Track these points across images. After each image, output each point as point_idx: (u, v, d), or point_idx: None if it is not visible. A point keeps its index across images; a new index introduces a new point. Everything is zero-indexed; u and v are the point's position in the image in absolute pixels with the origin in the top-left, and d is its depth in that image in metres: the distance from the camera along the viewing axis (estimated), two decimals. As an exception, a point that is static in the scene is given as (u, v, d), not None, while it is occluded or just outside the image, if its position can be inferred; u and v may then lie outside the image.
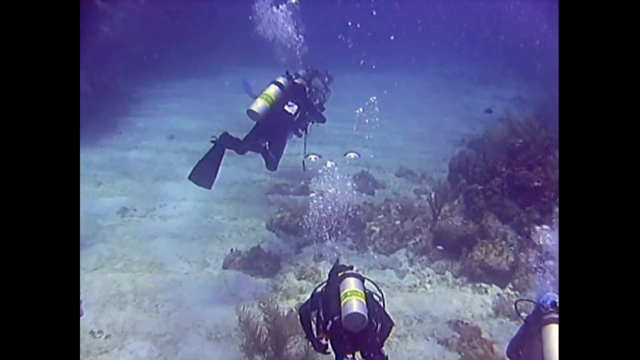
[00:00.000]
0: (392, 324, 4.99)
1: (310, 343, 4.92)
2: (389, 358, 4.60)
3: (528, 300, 5.07)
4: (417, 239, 9.10)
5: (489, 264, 8.00)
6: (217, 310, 7.28)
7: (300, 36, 9.15)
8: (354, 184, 10.89)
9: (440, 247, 8.50)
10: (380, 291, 5.01)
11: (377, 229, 9.51)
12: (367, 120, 9.45)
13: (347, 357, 4.44)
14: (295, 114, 7.87)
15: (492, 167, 9.41)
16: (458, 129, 15.76)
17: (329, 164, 7.95)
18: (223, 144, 7.47)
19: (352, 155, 10.26)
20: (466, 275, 8.27)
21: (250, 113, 7.49)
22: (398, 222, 9.65)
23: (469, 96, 20.27)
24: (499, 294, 7.87)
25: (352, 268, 4.96)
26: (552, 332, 4.08)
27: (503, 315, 7.44)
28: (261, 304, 6.42)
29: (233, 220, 9.79)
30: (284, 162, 8.43)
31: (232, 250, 8.58)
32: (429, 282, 8.29)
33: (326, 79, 9.08)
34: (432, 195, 9.54)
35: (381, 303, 5.00)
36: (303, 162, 8.66)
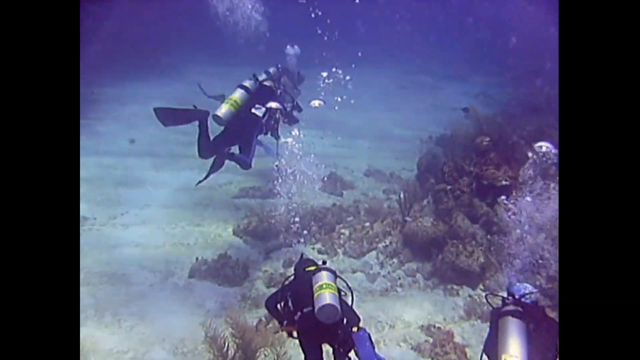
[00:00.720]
0: (359, 318, 4.93)
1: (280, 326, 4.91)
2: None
3: (497, 295, 5.10)
4: (387, 242, 8.99)
5: (460, 265, 7.93)
6: (183, 323, 7.00)
7: (267, 33, 8.91)
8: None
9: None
10: (349, 287, 4.97)
11: (347, 232, 9.36)
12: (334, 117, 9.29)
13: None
14: (263, 116, 7.71)
15: (461, 167, 9.37)
16: (425, 126, 15.73)
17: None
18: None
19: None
20: (437, 277, 8.20)
21: (216, 118, 7.34)
22: (368, 224, 9.51)
23: (435, 92, 20.32)
24: (470, 296, 7.82)
25: (324, 262, 4.98)
26: (507, 324, 4.17)
27: (475, 317, 7.38)
28: (228, 319, 6.16)
29: (198, 227, 9.50)
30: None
31: (197, 258, 8.29)
32: (400, 285, 8.19)
33: (297, 79, 8.92)
34: (402, 196, 9.45)
35: (349, 300, 4.97)
36: (276, 165, 8.37)
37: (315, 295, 4.46)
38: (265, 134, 8.20)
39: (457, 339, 6.91)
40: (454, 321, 7.33)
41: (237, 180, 11.00)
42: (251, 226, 9.27)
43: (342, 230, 9.45)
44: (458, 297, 7.83)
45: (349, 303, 4.94)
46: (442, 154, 11.08)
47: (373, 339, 6.85)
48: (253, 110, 7.63)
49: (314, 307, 4.41)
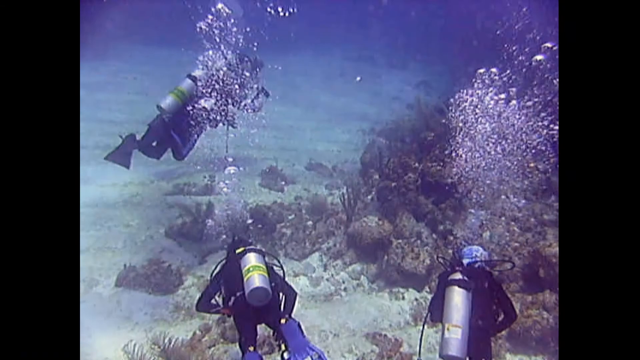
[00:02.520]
0: (296, 293, 5.01)
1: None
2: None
3: (445, 258, 5.13)
4: (331, 242, 8.60)
5: (405, 267, 7.65)
6: (108, 339, 6.31)
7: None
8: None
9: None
10: (279, 262, 5.00)
11: (288, 232, 8.89)
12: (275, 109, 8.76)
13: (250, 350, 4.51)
14: (212, 108, 7.35)
15: (405, 162, 9.07)
16: (367, 115, 15.46)
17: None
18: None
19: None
20: (382, 279, 7.90)
21: (159, 109, 7.02)
22: (310, 222, 9.08)
23: (376, 80, 20.09)
24: (416, 299, 7.56)
25: (250, 243, 5.03)
26: (452, 294, 4.31)
27: (421, 321, 7.10)
28: (153, 346, 5.56)
29: (127, 228, 8.73)
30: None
31: (125, 265, 7.58)
32: (345, 289, 7.83)
33: (255, 65, 8.33)
34: (345, 194, 9.07)
35: (281, 273, 5.03)
36: (226, 157, 8.07)
37: (245, 278, 4.49)
38: (215, 127, 7.82)
39: (404, 347, 6.62)
40: (400, 327, 7.04)
41: (170, 175, 10.28)
42: (185, 227, 8.61)
43: (284, 230, 8.96)
44: (404, 301, 7.54)
45: (283, 277, 5.00)
46: (386, 148, 10.77)
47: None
48: (201, 102, 7.27)
49: (244, 291, 4.45)
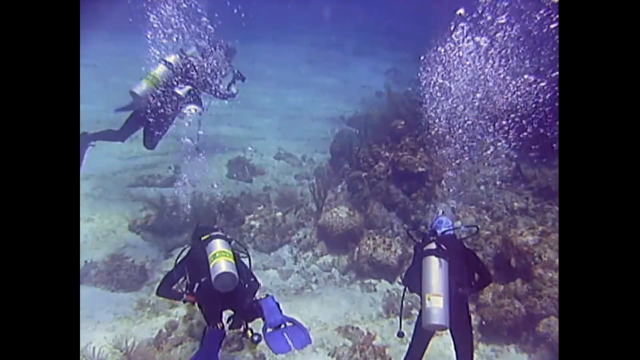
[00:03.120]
0: (259, 285, 4.97)
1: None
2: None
3: (418, 231, 4.95)
4: (301, 234, 8.42)
5: (377, 258, 7.54)
6: (69, 340, 6.03)
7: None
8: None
9: None
10: (246, 251, 4.92)
11: (257, 224, 8.66)
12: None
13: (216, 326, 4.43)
14: (187, 95, 7.12)
15: (376, 152, 8.93)
16: (336, 104, 15.28)
17: None
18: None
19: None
20: (354, 271, 7.77)
21: (133, 95, 6.77)
22: (279, 214, 8.88)
23: (346, 67, 19.90)
24: (388, 290, 7.45)
25: (216, 229, 4.91)
26: (430, 264, 4.25)
27: (393, 313, 7.01)
28: (115, 349, 5.29)
29: (88, 222, 8.34)
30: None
31: (86, 261, 7.24)
32: (316, 281, 7.67)
33: (228, 52, 8.01)
34: (315, 184, 8.89)
35: (247, 262, 4.95)
36: (196, 146, 7.86)
37: (211, 264, 4.42)
38: (190, 113, 7.48)
39: (377, 339, 6.51)
40: (372, 320, 6.93)
41: (134, 166, 9.91)
42: (150, 220, 8.29)
43: (252, 222, 8.74)
44: (375, 292, 7.43)
45: (249, 266, 4.91)
46: (356, 137, 10.61)
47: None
48: (176, 90, 7.01)
49: (210, 276, 4.37)
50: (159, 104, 6.92)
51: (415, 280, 4.45)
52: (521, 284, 6.51)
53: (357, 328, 6.64)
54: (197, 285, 4.56)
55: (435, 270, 4.25)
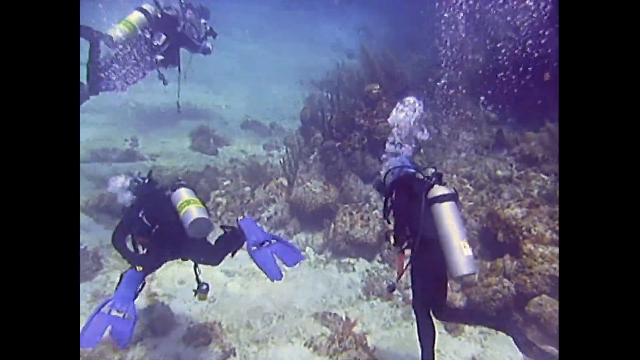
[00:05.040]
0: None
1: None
2: None
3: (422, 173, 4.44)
4: (272, 211, 7.79)
5: (355, 236, 7.00)
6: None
7: None
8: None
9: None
10: (204, 204, 4.62)
11: (224, 200, 8.01)
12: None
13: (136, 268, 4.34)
14: (163, 45, 6.96)
15: (350, 119, 8.27)
16: (305, 65, 14.45)
17: None
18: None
19: None
20: (330, 250, 7.23)
21: (106, 39, 6.48)
22: (248, 189, 8.22)
23: (314, 26, 18.95)
24: (367, 270, 6.95)
25: (179, 181, 4.77)
26: (447, 211, 3.94)
27: (374, 295, 6.52)
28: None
29: (36, 205, 7.57)
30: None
31: (33, 250, 6.52)
32: (289, 262, 7.10)
33: (201, 12, 7.93)
34: (285, 155, 8.23)
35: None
36: (177, 102, 7.74)
37: (182, 212, 4.30)
38: (166, 67, 7.37)
39: (357, 326, 6.01)
40: (351, 303, 6.42)
41: (85, 139, 9.04)
42: (104, 201, 7.57)
43: (219, 199, 8.08)
44: (354, 272, 6.92)
45: None
46: (328, 102, 9.91)
47: (259, 335, 5.90)
48: (149, 37, 6.88)
49: (179, 224, 4.29)
50: (134, 50, 6.76)
51: (431, 230, 3.97)
52: (510, 261, 6.06)
53: (335, 314, 6.13)
54: (155, 229, 4.41)
55: (456, 216, 3.96)
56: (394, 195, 4.35)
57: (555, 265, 5.72)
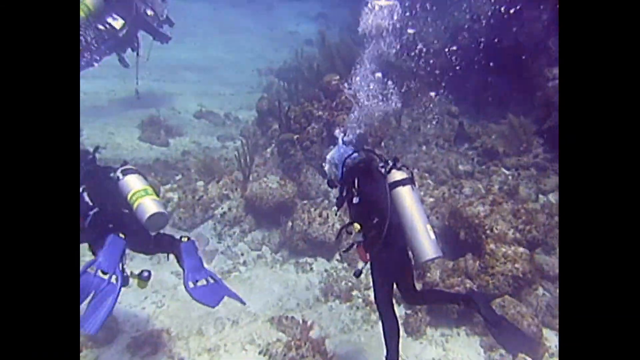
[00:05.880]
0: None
1: None
2: None
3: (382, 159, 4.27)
4: (226, 207, 7.39)
5: (313, 234, 6.69)
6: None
7: None
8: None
9: None
10: (157, 194, 4.42)
11: (175, 196, 7.57)
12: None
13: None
14: (121, 29, 6.68)
15: (309, 111, 7.93)
16: (263, 52, 13.98)
17: None
18: None
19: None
20: (287, 249, 6.91)
21: None
22: (200, 183, 7.79)
23: (271, 12, 18.40)
24: (326, 270, 6.66)
25: (127, 163, 4.50)
26: (409, 195, 3.88)
27: (332, 297, 6.25)
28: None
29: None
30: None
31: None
32: (244, 262, 6.75)
33: None
34: (241, 147, 7.82)
35: None
36: (136, 89, 7.79)
37: (135, 204, 4.11)
38: (124, 51, 7.19)
39: (314, 330, 5.73)
40: (309, 306, 6.12)
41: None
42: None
43: (169, 194, 7.62)
44: (312, 273, 6.63)
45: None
46: (285, 92, 9.54)
47: (211, 343, 5.56)
48: (109, 20, 6.61)
49: (126, 213, 4.18)
50: (88, 35, 6.45)
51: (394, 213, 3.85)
52: (472, 261, 5.89)
53: (293, 317, 5.83)
54: (91, 213, 4.05)
55: (418, 200, 3.92)
56: (354, 184, 4.09)
57: (518, 265, 5.59)
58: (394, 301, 4.18)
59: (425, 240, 3.77)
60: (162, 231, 4.58)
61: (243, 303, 4.49)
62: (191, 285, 4.16)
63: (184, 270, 4.27)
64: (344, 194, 4.22)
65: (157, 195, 4.30)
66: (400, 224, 3.85)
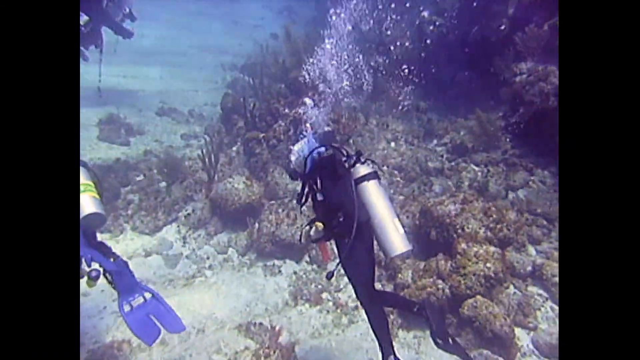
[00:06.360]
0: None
1: None
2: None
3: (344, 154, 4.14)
4: (190, 209, 7.12)
5: (281, 236, 6.49)
6: None
7: None
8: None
9: None
10: (98, 192, 4.02)
11: (136, 198, 7.25)
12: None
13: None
14: (86, 25, 6.54)
15: (275, 109, 7.71)
16: (226, 47, 13.63)
17: None
18: None
19: None
20: (254, 251, 6.70)
21: None
22: (163, 184, 7.50)
23: (234, 5, 18.01)
24: (295, 272, 6.47)
25: None
26: (375, 189, 3.81)
27: (302, 300, 6.07)
28: None
29: None
30: None
31: None
32: (210, 267, 6.50)
33: None
34: (205, 146, 7.55)
35: None
36: (98, 87, 7.65)
37: None
38: (87, 48, 7.06)
39: (284, 335, 5.55)
40: (277, 311, 5.93)
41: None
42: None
43: (130, 196, 7.31)
44: (281, 276, 6.43)
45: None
46: (251, 89, 9.28)
47: (175, 353, 5.32)
48: None
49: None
50: None
51: (361, 208, 3.73)
52: (444, 261, 5.79)
53: (261, 324, 5.63)
54: None
55: (385, 194, 3.83)
56: (317, 180, 3.95)
57: (490, 265, 5.51)
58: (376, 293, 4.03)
59: (394, 235, 3.69)
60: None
61: (182, 328, 4.20)
62: (127, 308, 3.92)
63: (118, 293, 3.99)
64: (306, 189, 4.05)
65: (98, 192, 3.96)
66: (368, 220, 3.74)
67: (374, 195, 3.78)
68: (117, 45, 7.42)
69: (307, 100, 5.00)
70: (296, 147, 4.50)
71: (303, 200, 4.11)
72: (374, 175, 3.86)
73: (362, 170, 3.86)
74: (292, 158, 4.51)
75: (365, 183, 3.80)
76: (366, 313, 4.01)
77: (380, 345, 3.84)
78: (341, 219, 3.72)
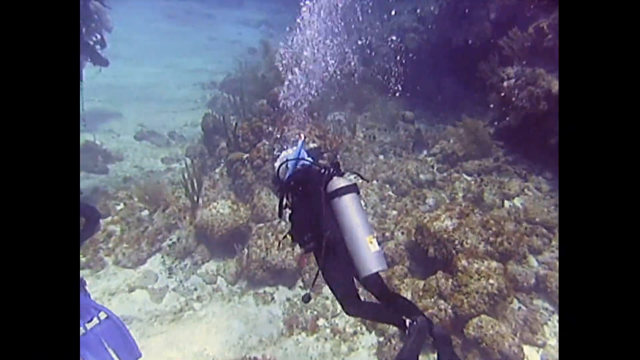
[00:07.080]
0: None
1: None
2: None
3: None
4: (175, 238, 6.78)
5: (272, 261, 6.19)
6: None
7: None
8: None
9: None
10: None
11: (117, 229, 6.90)
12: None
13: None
14: None
15: (258, 127, 7.42)
16: (205, 65, 13.33)
17: None
18: None
19: None
20: (244, 279, 6.38)
21: None
22: (145, 213, 7.15)
23: (210, 22, 17.72)
24: (288, 299, 6.16)
25: None
26: (351, 203, 3.52)
27: (298, 329, 5.76)
28: None
29: None
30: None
31: None
32: (198, 298, 6.17)
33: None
34: (187, 169, 7.22)
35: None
36: (82, 116, 7.06)
37: None
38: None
39: (280, 368, 5.25)
40: (273, 341, 5.61)
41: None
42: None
43: (111, 227, 6.95)
44: (274, 304, 6.11)
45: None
46: (232, 107, 8.98)
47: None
48: None
49: None
50: None
51: (335, 227, 3.49)
52: (445, 279, 5.52)
53: (255, 358, 5.31)
54: None
55: (359, 210, 3.54)
56: (291, 192, 3.80)
57: (492, 281, 5.26)
58: (361, 298, 3.73)
59: (365, 254, 3.41)
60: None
61: (138, 355, 3.83)
62: (81, 331, 3.61)
63: None
64: (284, 202, 3.83)
65: None
66: (341, 237, 3.49)
67: (346, 211, 3.50)
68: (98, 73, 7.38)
69: (299, 136, 4.73)
70: (283, 154, 4.25)
71: (281, 211, 3.88)
72: (349, 189, 3.58)
73: (337, 183, 3.60)
74: (276, 164, 4.26)
75: (338, 198, 3.53)
76: (363, 320, 3.79)
77: (396, 325, 3.59)
78: (309, 236, 3.50)
